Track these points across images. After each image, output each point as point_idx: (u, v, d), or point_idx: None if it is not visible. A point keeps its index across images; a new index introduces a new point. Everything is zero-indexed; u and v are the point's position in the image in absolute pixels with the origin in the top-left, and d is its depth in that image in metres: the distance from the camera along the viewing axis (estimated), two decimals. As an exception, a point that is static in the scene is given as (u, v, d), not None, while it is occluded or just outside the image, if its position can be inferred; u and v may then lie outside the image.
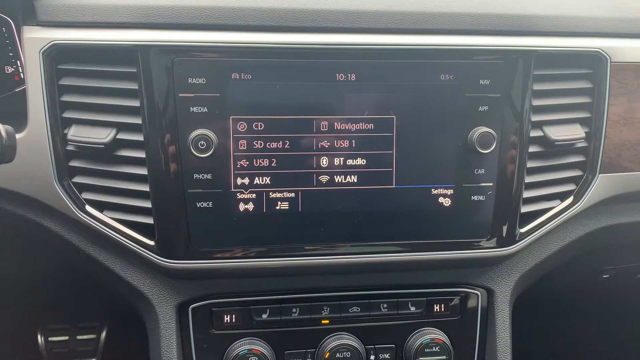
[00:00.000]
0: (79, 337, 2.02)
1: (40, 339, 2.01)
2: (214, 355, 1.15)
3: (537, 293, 1.42)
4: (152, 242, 1.06)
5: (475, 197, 1.11)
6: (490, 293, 1.24)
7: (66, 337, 2.02)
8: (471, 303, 1.24)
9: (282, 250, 1.08)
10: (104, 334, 2.02)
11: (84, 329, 2.02)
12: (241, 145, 1.03)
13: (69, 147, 1.04)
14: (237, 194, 1.05)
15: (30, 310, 1.90)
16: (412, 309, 1.21)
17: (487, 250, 1.14)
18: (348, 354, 1.15)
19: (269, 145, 1.04)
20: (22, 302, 1.80)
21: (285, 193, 1.06)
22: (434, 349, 1.18)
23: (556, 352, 1.81)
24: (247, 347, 1.13)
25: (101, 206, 1.06)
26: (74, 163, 1.05)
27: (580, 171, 1.19)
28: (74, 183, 1.05)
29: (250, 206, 1.06)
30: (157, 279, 1.13)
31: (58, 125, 1.03)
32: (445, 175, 1.09)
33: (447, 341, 1.19)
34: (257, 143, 1.04)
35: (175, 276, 1.12)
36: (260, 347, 1.14)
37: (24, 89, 1.02)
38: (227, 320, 1.16)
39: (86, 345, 2.02)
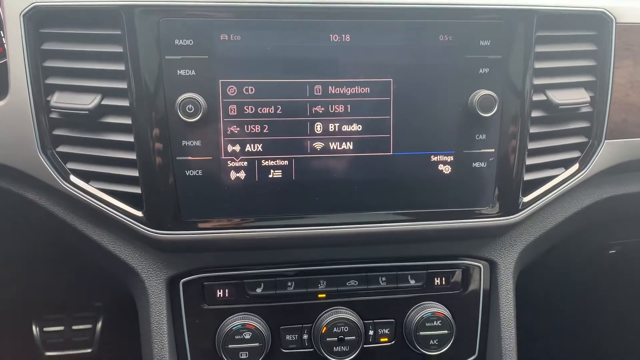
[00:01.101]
0: (74, 327, 1.99)
1: (35, 329, 1.97)
2: (207, 331, 1.11)
3: (542, 269, 1.38)
4: (139, 213, 1.02)
5: (476, 164, 1.07)
6: (493, 265, 1.19)
7: (61, 328, 1.98)
8: (473, 276, 1.19)
9: (275, 221, 1.04)
10: (99, 324, 1.98)
11: (80, 319, 1.98)
12: (231, 110, 0.99)
13: (53, 115, 1.00)
14: (228, 162, 1.00)
15: (24, 301, 1.86)
16: (412, 282, 1.17)
17: (489, 219, 1.09)
18: (346, 329, 1.11)
19: (260, 110, 1.00)
20: (16, 293, 1.76)
21: (278, 161, 1.02)
22: (435, 323, 1.14)
23: (561, 329, 1.77)
24: (241, 322, 1.09)
25: (87, 176, 1.02)
26: (57, 131, 1.01)
27: (585, 138, 1.14)
28: (58, 152, 1.01)
29: (242, 175, 1.01)
30: (146, 252, 1.09)
31: (41, 92, 0.99)
32: (445, 141, 1.05)
33: (449, 315, 1.15)
34: (247, 108, 0.99)
35: (164, 248, 1.08)
36: (254, 322, 1.10)
37: (5, 54, 0.98)
38: (219, 295, 1.12)
39: (82, 335, 1.99)
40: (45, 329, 1.97)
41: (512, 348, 1.17)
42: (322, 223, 1.05)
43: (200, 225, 1.02)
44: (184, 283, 1.11)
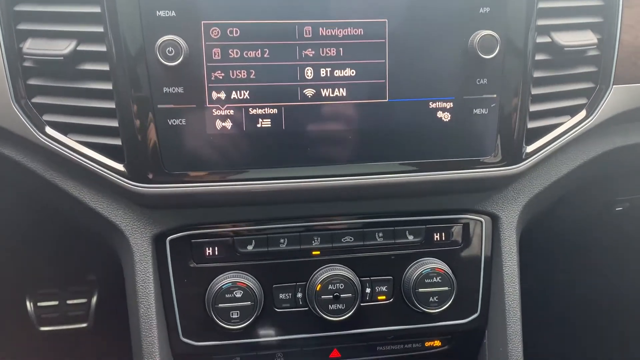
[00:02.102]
0: (69, 302, 1.94)
1: (29, 304, 1.93)
2: (196, 291, 1.06)
3: (546, 228, 1.33)
4: (121, 166, 0.97)
5: (477, 111, 1.01)
6: (495, 220, 1.14)
7: (56, 302, 1.94)
8: (474, 231, 1.14)
9: (263, 173, 0.98)
10: (95, 299, 1.94)
11: (74, 293, 1.94)
12: (215, 54, 0.93)
13: (26, 63, 0.94)
14: (213, 110, 0.94)
15: (16, 275, 1.82)
16: (410, 237, 1.11)
17: (491, 169, 1.03)
18: (341, 286, 1.06)
19: (247, 54, 0.93)
20: (7, 268, 1.72)
21: (266, 109, 0.96)
22: (434, 279, 1.09)
23: (564, 290, 1.73)
24: (232, 280, 1.04)
25: (64, 128, 0.96)
26: (32, 81, 0.95)
27: (592, 83, 1.08)
28: (34, 104, 0.95)
29: (228, 124, 0.95)
30: (130, 208, 1.04)
31: (13, 38, 0.93)
32: (444, 86, 0.99)
33: (449, 271, 1.10)
34: (232, 52, 0.93)
35: (148, 204, 1.02)
36: (245, 280, 1.05)
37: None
38: (208, 252, 1.06)
39: (77, 309, 1.95)
40: (39, 304, 1.93)
41: (515, 305, 1.12)
42: (314, 175, 0.99)
43: (185, 178, 0.96)
44: (170, 241, 1.05)
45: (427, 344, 1.20)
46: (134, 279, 1.04)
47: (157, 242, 1.05)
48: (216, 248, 1.06)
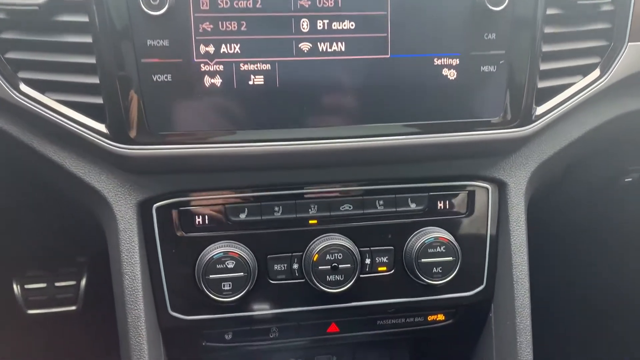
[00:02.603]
0: (57, 284, 1.88)
1: (16, 287, 1.87)
2: (185, 261, 1.00)
3: (554, 198, 1.27)
4: (102, 126, 0.90)
5: (484, 68, 0.94)
6: (502, 187, 1.07)
7: (44, 285, 1.88)
8: (480, 199, 1.08)
9: (255, 135, 0.91)
10: (84, 281, 1.88)
11: (63, 275, 1.88)
12: (203, 3, 0.85)
13: None
14: (201, 65, 0.87)
15: (3, 256, 1.75)
16: (413, 206, 1.05)
17: (499, 130, 0.97)
18: (340, 256, 1.00)
19: (237, 4, 0.86)
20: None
21: (258, 64, 0.89)
22: (438, 249, 1.03)
23: (571, 262, 1.67)
24: (223, 249, 0.97)
25: (42, 86, 0.89)
26: (5, 34, 0.87)
27: (606, 41, 1.02)
28: (8, 59, 0.88)
29: (217, 80, 0.88)
30: (114, 174, 0.97)
31: None
32: (450, 41, 0.92)
33: (453, 241, 1.03)
34: (222, 1, 0.86)
35: (132, 168, 0.95)
36: (238, 250, 0.98)
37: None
38: (198, 221, 1.00)
39: (65, 292, 1.89)
40: (26, 286, 1.87)
41: (524, 276, 1.06)
42: (310, 137, 0.93)
43: (170, 138, 0.89)
44: (157, 208, 0.99)
45: (430, 318, 1.14)
46: (118, 248, 0.97)
47: (143, 209, 0.99)
48: (206, 216, 1.00)
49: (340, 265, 1.00)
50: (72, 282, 1.88)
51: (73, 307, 1.88)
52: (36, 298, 1.87)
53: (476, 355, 1.20)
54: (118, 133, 0.89)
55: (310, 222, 1.03)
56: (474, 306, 1.12)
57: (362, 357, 1.56)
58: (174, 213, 0.99)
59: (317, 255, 0.99)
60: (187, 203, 0.99)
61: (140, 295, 0.97)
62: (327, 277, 1.00)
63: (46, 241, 1.70)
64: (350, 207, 1.03)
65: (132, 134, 0.89)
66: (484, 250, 1.08)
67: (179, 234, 1.00)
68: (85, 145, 0.91)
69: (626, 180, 1.32)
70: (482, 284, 1.10)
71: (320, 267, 1.00)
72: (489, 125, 0.96)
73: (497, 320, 1.12)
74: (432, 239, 1.02)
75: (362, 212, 1.03)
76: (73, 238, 1.66)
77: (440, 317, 1.14)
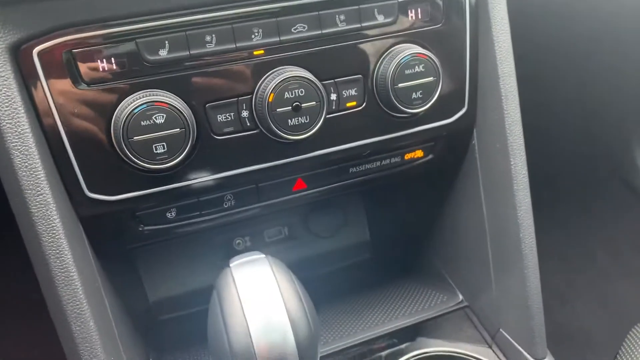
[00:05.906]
0: None
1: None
2: (95, 123, 0.73)
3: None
4: None
5: None
6: None
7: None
8: (457, 3, 0.88)
9: None
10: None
11: None
12: None
13: None
14: None
15: None
16: (380, 18, 0.83)
17: None
18: (301, 92, 0.78)
19: None
20: None
21: None
22: (416, 68, 0.84)
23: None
24: (146, 100, 0.72)
25: None
26: None
27: None
28: None
29: None
30: None
31: None
32: None
33: (433, 56, 0.84)
34: None
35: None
36: (166, 98, 0.73)
37: None
38: (102, 66, 0.72)
39: None
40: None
41: (513, 89, 0.91)
42: None
43: None
44: (40, 53, 0.69)
45: (407, 156, 0.98)
46: None
47: (22, 57, 0.69)
48: (112, 58, 0.72)
49: (302, 105, 0.78)
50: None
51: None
52: None
53: (459, 193, 1.08)
54: None
55: (256, 53, 0.78)
56: (454, 135, 0.96)
57: (315, 221, 1.42)
58: (67, 58, 0.70)
59: (272, 95, 0.77)
60: (82, 42, 0.70)
61: (41, 175, 0.71)
62: (289, 121, 0.78)
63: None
64: (304, 28, 0.79)
65: None
66: (464, 66, 0.91)
67: (79, 87, 0.71)
68: None
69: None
70: (463, 107, 0.93)
71: (278, 110, 0.78)
72: None
73: (481, 147, 0.98)
74: (409, 56, 0.82)
75: (320, 32, 0.80)
76: None
77: (419, 153, 0.98)
